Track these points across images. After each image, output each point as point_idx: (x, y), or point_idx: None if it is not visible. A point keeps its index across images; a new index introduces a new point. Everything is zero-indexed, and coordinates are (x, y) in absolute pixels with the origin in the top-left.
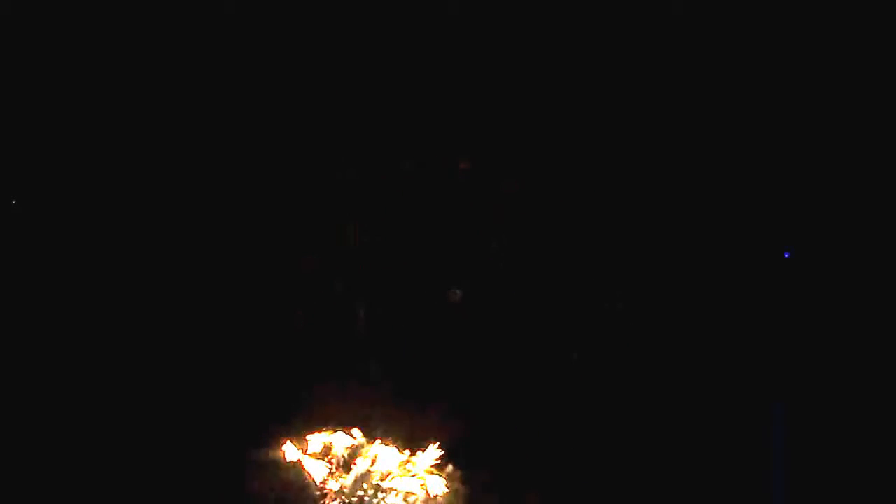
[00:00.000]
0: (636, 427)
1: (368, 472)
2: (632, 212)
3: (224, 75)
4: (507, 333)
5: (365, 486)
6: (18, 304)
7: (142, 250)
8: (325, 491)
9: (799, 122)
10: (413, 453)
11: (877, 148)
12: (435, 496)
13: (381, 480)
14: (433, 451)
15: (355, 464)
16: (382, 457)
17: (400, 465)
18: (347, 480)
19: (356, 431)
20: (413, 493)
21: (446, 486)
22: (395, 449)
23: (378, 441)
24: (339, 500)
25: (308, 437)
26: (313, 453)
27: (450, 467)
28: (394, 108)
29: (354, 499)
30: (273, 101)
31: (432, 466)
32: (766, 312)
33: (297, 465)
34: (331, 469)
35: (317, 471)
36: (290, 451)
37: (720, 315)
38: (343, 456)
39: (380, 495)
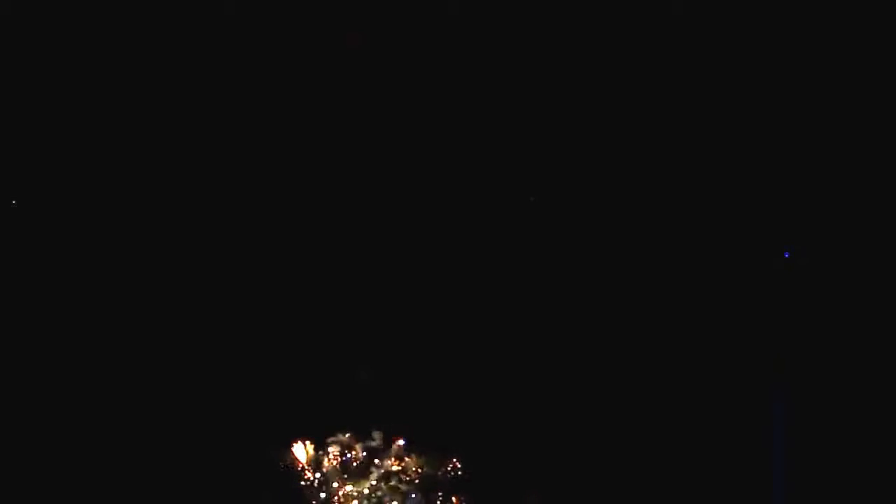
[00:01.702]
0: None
1: (388, 473)
2: (633, 210)
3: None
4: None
5: (384, 486)
6: (19, 305)
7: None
8: (344, 493)
9: (798, 122)
10: (429, 455)
11: (877, 148)
12: (451, 496)
13: (400, 483)
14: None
15: (375, 466)
16: (401, 459)
17: (415, 468)
18: (367, 483)
19: (376, 434)
20: (429, 493)
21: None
22: (413, 452)
23: (397, 443)
24: (357, 502)
25: (328, 440)
26: (334, 456)
27: (463, 467)
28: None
29: (374, 500)
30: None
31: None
32: (766, 309)
33: (316, 468)
34: (350, 471)
35: (334, 473)
36: (300, 453)
37: (720, 311)
38: (362, 459)
39: (398, 497)
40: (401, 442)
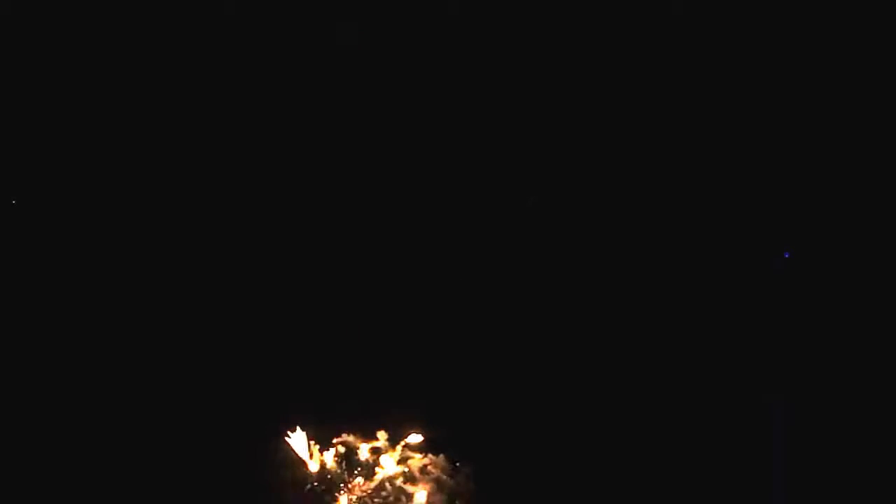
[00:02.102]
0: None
1: (393, 474)
2: (633, 214)
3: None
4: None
5: (389, 487)
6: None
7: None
8: (349, 493)
9: (798, 122)
10: (436, 455)
11: (876, 149)
12: (454, 497)
13: (405, 484)
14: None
15: (381, 467)
16: (406, 460)
17: (421, 469)
18: (372, 484)
19: (381, 434)
20: (435, 495)
21: (465, 485)
22: (418, 452)
23: (402, 444)
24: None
25: (334, 441)
26: (337, 454)
27: (468, 468)
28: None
29: (378, 500)
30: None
31: (451, 467)
32: (766, 312)
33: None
34: (354, 471)
35: (340, 472)
36: (299, 443)
37: (719, 315)
38: (368, 460)
39: (403, 498)
40: (410, 438)
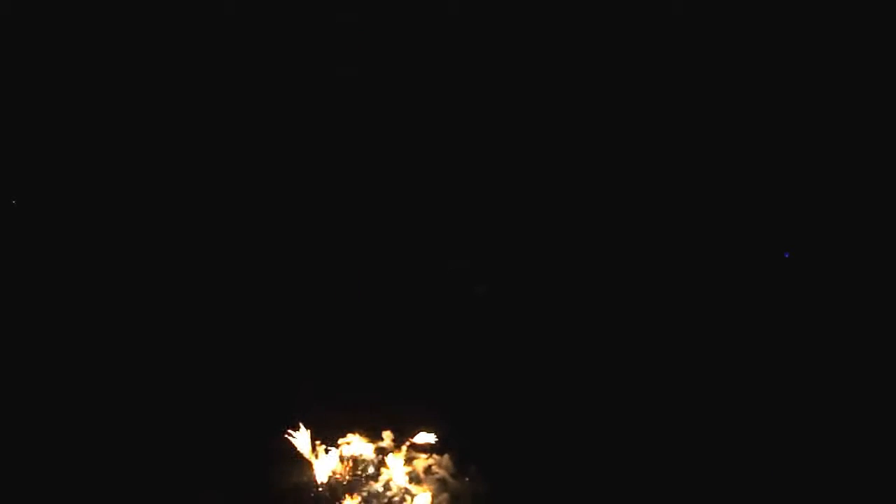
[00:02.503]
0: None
1: (397, 475)
2: (632, 214)
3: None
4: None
5: (394, 487)
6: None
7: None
8: (353, 492)
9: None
10: (441, 455)
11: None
12: (458, 496)
13: (409, 483)
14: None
15: (386, 467)
16: (411, 460)
17: (426, 469)
18: (377, 485)
19: (387, 434)
20: (439, 495)
21: (469, 486)
22: (422, 452)
23: (406, 445)
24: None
25: (339, 442)
26: (343, 455)
27: (473, 468)
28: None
29: (385, 501)
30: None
31: (456, 468)
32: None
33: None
34: (359, 473)
35: (344, 472)
36: (303, 443)
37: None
38: (373, 460)
39: (407, 498)
40: (418, 438)
